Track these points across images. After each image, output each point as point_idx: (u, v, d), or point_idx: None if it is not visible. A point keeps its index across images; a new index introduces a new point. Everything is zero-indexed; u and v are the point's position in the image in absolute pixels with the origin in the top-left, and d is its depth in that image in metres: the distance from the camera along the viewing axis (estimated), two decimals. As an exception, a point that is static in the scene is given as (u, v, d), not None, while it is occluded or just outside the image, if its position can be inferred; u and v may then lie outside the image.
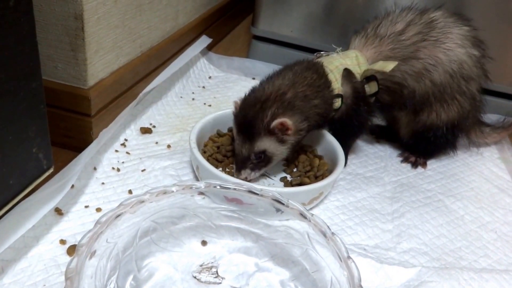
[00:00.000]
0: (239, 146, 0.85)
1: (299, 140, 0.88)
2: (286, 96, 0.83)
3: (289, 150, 0.86)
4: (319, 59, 0.94)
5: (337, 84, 0.90)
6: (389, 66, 0.89)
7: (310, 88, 0.86)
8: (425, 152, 1.06)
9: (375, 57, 0.94)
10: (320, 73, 0.89)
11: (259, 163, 0.85)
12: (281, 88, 0.84)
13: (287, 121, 0.81)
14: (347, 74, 0.91)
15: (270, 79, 0.88)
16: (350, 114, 0.94)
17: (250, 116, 0.83)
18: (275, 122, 0.81)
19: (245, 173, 0.85)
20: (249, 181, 0.84)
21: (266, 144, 0.83)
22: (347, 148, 0.99)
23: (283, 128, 0.82)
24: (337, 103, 0.91)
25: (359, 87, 0.93)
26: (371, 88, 0.93)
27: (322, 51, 0.98)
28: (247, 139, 0.83)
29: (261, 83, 0.88)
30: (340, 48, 0.96)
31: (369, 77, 0.92)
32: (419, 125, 1.01)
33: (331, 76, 0.90)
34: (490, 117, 1.19)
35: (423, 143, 1.03)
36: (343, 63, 0.91)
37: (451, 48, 0.93)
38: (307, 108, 0.85)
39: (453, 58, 0.93)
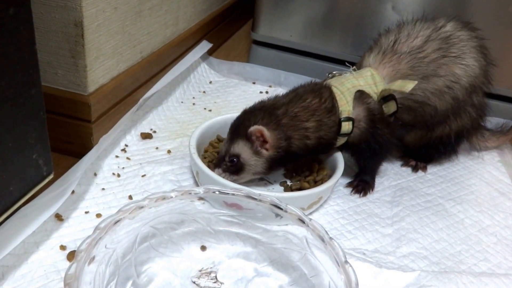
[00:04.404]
0: (223, 144, 0.87)
1: (278, 159, 0.84)
2: (276, 111, 0.83)
3: (264, 166, 0.84)
4: (329, 81, 0.90)
5: (348, 107, 0.86)
6: (408, 85, 0.84)
7: (304, 110, 0.84)
8: (428, 158, 1.06)
9: (392, 75, 0.90)
10: (324, 96, 0.86)
11: (231, 167, 0.84)
12: (276, 103, 0.85)
13: (265, 131, 0.81)
14: (360, 95, 0.87)
15: (277, 95, 0.89)
16: (367, 137, 0.89)
17: (241, 119, 0.85)
18: (252, 128, 0.81)
19: (218, 171, 0.84)
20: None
21: (241, 149, 0.83)
22: (373, 172, 0.96)
23: (261, 137, 0.82)
24: (347, 127, 0.86)
25: (375, 108, 0.88)
26: (389, 108, 0.89)
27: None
28: (230, 139, 0.85)
29: (270, 97, 0.89)
30: (354, 67, 0.93)
31: (386, 97, 0.88)
32: (431, 138, 1.00)
33: (341, 99, 0.86)
34: (489, 120, 1.19)
35: (430, 151, 1.04)
36: (355, 85, 0.88)
37: (469, 64, 0.91)
38: (294, 128, 0.83)
39: (470, 73, 0.92)
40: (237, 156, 0.83)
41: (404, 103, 0.90)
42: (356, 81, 0.88)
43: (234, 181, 0.83)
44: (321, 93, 0.86)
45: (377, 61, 0.91)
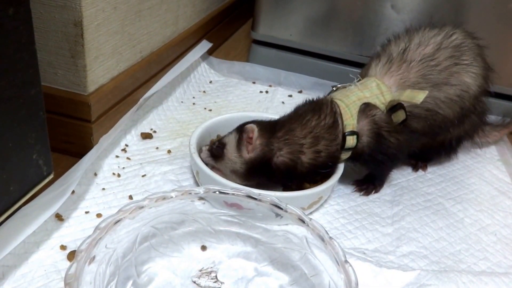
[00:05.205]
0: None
1: (257, 169, 0.83)
2: (276, 126, 0.84)
3: (243, 168, 0.83)
4: (333, 94, 0.89)
5: (352, 121, 0.84)
6: (419, 96, 0.82)
7: (301, 127, 0.83)
8: (428, 158, 1.06)
9: (401, 83, 0.87)
10: (324, 113, 0.84)
11: (213, 150, 0.85)
12: (280, 119, 0.87)
13: (256, 130, 0.81)
14: (365, 108, 0.86)
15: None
16: (371, 150, 0.87)
17: (251, 121, 0.86)
18: (248, 125, 0.82)
19: (204, 148, 0.87)
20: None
21: (230, 141, 0.84)
22: (382, 177, 0.97)
23: (250, 139, 0.81)
24: (351, 141, 0.84)
25: (381, 119, 0.86)
26: (398, 118, 0.86)
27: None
28: (231, 131, 0.87)
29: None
30: (359, 78, 0.91)
31: (395, 106, 0.85)
32: (432, 143, 1.00)
33: (346, 112, 0.85)
34: (488, 117, 1.18)
35: (431, 154, 1.04)
36: (360, 97, 0.86)
37: (478, 72, 0.91)
38: (287, 142, 0.82)
39: (477, 83, 0.91)
40: (224, 145, 0.85)
41: (413, 111, 0.87)
42: (361, 94, 0.86)
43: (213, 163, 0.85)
44: (320, 110, 0.85)
45: (383, 70, 0.89)
